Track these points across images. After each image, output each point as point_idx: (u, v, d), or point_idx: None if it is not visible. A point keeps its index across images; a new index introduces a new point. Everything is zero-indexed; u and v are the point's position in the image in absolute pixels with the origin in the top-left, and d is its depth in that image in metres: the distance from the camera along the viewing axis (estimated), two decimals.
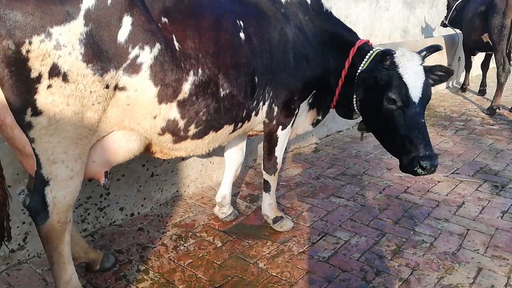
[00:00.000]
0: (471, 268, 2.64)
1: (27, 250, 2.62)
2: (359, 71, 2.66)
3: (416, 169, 2.35)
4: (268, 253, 2.77)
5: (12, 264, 2.56)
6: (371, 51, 2.71)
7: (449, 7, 7.76)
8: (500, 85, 6.10)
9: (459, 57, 8.23)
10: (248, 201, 3.49)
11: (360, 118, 2.89)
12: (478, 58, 8.05)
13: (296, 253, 2.77)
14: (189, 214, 3.26)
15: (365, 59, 2.67)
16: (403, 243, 2.90)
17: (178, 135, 2.21)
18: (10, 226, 2.05)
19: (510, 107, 6.42)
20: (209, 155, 3.68)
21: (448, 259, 2.73)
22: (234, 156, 3.13)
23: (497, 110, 6.24)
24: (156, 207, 3.33)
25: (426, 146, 2.35)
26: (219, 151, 3.74)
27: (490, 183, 3.87)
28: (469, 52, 7.43)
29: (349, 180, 3.92)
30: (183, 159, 3.44)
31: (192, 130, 2.23)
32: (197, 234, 2.98)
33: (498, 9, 5.79)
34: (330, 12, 2.89)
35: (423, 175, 2.39)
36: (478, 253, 2.80)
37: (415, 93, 2.39)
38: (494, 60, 6.32)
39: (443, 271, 2.60)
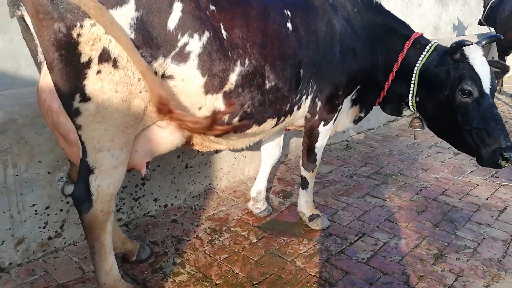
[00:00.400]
0: None
1: (64, 238, 2.60)
2: (417, 65, 2.56)
3: (499, 161, 2.30)
4: (305, 252, 2.69)
5: (49, 251, 2.54)
6: (429, 44, 2.60)
7: (484, 5, 7.50)
8: None
9: (492, 57, 7.97)
10: (281, 197, 3.43)
11: (407, 116, 2.79)
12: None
13: (334, 253, 2.69)
14: (222, 207, 3.21)
15: (424, 53, 2.56)
16: (445, 247, 2.80)
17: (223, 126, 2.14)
18: None
19: None
20: (242, 148, 3.61)
21: (494, 266, 2.61)
22: (272, 150, 3.05)
23: None
24: (189, 199, 3.28)
25: (506, 137, 2.31)
26: (252, 145, 3.68)
27: None
28: (503, 52, 7.18)
29: (384, 180, 3.81)
30: (216, 151, 3.39)
31: (235, 122, 2.16)
32: (232, 229, 2.93)
33: None
34: (380, 4, 2.78)
35: (506, 166, 2.33)
36: None
37: (487, 84, 2.35)
38: None
39: (490, 279, 2.49)
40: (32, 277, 2.34)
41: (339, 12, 2.55)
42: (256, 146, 3.57)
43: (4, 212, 2.31)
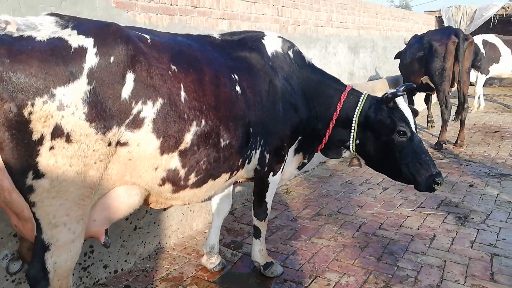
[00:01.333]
0: None
1: None
2: (355, 113, 2.84)
3: (434, 186, 2.65)
4: None
5: None
6: (362, 95, 2.91)
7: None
8: (444, 122, 6.65)
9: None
10: (232, 248, 3.48)
11: (345, 157, 3.07)
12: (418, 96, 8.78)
13: None
14: (175, 266, 3.18)
15: (360, 102, 2.86)
16: (390, 279, 3.02)
17: (178, 184, 2.21)
18: None
19: (454, 142, 6.98)
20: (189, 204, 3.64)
21: None
22: (222, 204, 3.13)
23: (444, 145, 6.76)
24: (139, 261, 3.21)
25: (434, 166, 2.70)
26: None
27: (454, 214, 4.15)
28: (411, 92, 8.04)
29: (326, 220, 4.03)
30: (164, 209, 3.38)
31: (192, 179, 2.24)
32: (188, 287, 2.90)
33: (438, 53, 6.39)
34: (313, 64, 3.06)
35: (437, 190, 2.70)
36: (459, 283, 2.97)
37: (413, 125, 2.76)
38: (436, 98, 6.92)
39: None
40: None
41: (278, 72, 2.77)
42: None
43: None
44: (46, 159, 1.72)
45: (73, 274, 2.72)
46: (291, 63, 2.90)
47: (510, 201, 4.48)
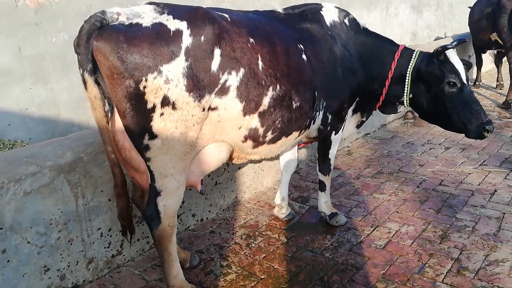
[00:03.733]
0: None
1: (124, 255, 3.01)
2: (408, 69, 3.06)
3: (484, 133, 2.87)
4: (330, 245, 3.14)
5: (112, 268, 2.95)
6: (414, 53, 3.12)
7: None
8: None
9: (469, 55, 8.60)
10: (300, 202, 3.88)
11: (401, 112, 3.31)
12: (487, 55, 8.44)
13: (355, 243, 3.14)
14: (251, 216, 3.65)
15: (412, 60, 3.08)
16: (448, 229, 3.27)
17: (257, 140, 2.60)
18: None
19: None
20: (259, 163, 4.07)
21: (491, 239, 3.08)
22: (289, 162, 3.51)
23: None
24: (220, 212, 3.72)
25: (485, 114, 2.90)
26: (269, 159, 4.14)
27: None
28: (479, 50, 7.79)
29: (387, 178, 4.29)
30: (239, 167, 3.84)
31: (269, 136, 2.63)
32: (263, 233, 3.36)
33: (506, 9, 6.16)
34: (367, 28, 3.29)
35: (487, 137, 2.90)
36: None
37: (464, 76, 2.94)
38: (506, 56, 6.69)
39: (488, 250, 2.96)
40: None
41: (337, 40, 3.04)
42: (271, 160, 4.05)
43: (77, 237, 2.72)
44: (158, 123, 2.17)
45: None
46: (347, 30, 3.14)
47: None
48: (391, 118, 6.33)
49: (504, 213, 3.43)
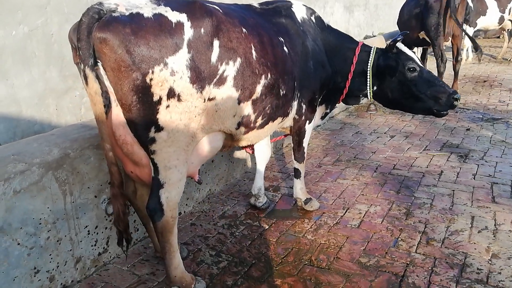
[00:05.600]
0: (466, 217, 3.41)
1: (109, 253, 2.95)
2: (369, 64, 3.33)
3: (455, 102, 3.17)
4: (310, 228, 3.34)
5: (99, 266, 2.88)
6: (371, 49, 3.40)
7: None
8: (440, 75, 7.17)
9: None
10: (271, 191, 4.03)
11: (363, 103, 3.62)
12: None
13: (332, 225, 3.37)
14: (228, 207, 3.73)
15: (371, 55, 3.35)
16: (410, 206, 3.62)
17: (249, 126, 2.71)
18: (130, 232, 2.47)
19: None
20: (230, 156, 4.16)
21: (448, 213, 3.48)
22: (264, 152, 3.64)
23: None
24: (196, 205, 3.75)
25: (448, 86, 3.21)
26: (238, 153, 4.25)
27: (456, 154, 4.76)
28: (408, 48, 8.50)
29: (346, 165, 4.60)
30: (212, 161, 3.89)
31: (259, 121, 2.75)
32: (244, 222, 3.47)
33: (434, 10, 6.82)
34: (330, 25, 3.53)
35: (457, 105, 3.22)
36: (467, 205, 3.59)
37: (418, 61, 3.26)
38: (432, 53, 7.41)
39: (448, 222, 3.35)
40: None
41: (308, 35, 3.23)
42: (240, 154, 4.16)
43: (65, 236, 2.63)
44: (164, 115, 2.18)
45: None
46: (315, 27, 3.35)
47: (503, 141, 5.11)
48: (336, 110, 6.72)
49: (453, 190, 3.88)
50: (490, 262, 2.83)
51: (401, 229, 3.28)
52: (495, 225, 3.28)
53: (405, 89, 3.28)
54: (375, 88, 3.41)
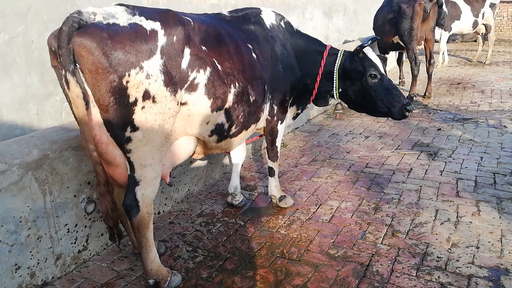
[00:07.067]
0: (431, 210, 3.61)
1: (89, 250, 3.07)
2: (335, 67, 3.51)
3: (406, 113, 3.37)
4: (283, 223, 3.50)
5: (79, 263, 2.99)
6: (339, 52, 3.58)
7: None
8: (414, 77, 7.44)
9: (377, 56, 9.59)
10: (248, 190, 4.19)
11: (331, 104, 3.76)
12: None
13: (304, 220, 3.54)
14: (206, 206, 3.87)
15: (338, 58, 3.53)
16: (379, 201, 3.81)
17: (222, 135, 2.86)
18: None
19: (423, 94, 7.81)
20: (209, 157, 4.31)
21: (414, 207, 3.68)
22: (240, 152, 3.79)
23: (414, 98, 7.58)
24: (175, 204, 3.88)
25: (403, 97, 3.41)
26: (216, 155, 4.39)
27: (426, 152, 4.98)
28: (383, 52, 8.77)
29: (321, 164, 4.78)
30: (191, 162, 4.03)
31: (233, 130, 2.90)
32: (221, 219, 3.61)
33: (407, 15, 7.09)
34: (299, 30, 3.71)
35: (409, 116, 3.41)
36: (432, 200, 3.79)
37: (382, 69, 3.45)
38: (406, 57, 7.68)
39: (413, 215, 3.54)
40: (76, 284, 2.80)
41: (277, 40, 3.41)
42: (219, 156, 4.31)
43: (45, 234, 2.74)
44: (139, 116, 2.32)
45: None
46: (284, 32, 3.54)
47: (471, 139, 5.35)
48: (315, 113, 6.93)
49: (421, 186, 4.08)
50: (449, 250, 3.02)
51: (369, 222, 3.46)
52: (457, 217, 3.48)
53: (365, 93, 3.47)
54: (340, 90, 3.59)
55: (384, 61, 3.73)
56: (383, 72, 3.50)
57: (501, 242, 3.09)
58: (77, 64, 2.22)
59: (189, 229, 3.47)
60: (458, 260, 2.90)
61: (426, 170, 4.45)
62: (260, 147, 5.32)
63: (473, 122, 6.12)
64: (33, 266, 2.67)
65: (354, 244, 3.15)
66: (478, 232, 3.24)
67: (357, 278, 2.76)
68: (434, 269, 2.82)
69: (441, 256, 2.96)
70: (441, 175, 4.32)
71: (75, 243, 2.95)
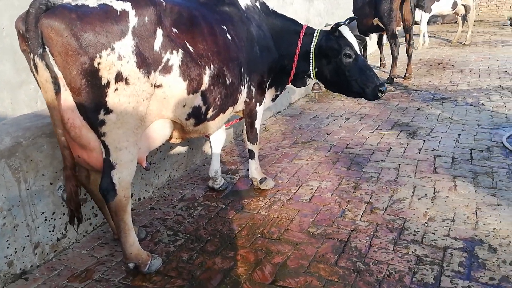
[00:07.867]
0: (409, 187, 3.67)
1: (68, 238, 3.05)
2: (312, 46, 3.50)
3: (379, 94, 3.39)
4: (264, 205, 3.52)
5: (58, 251, 2.97)
6: (315, 31, 3.58)
7: None
8: (394, 58, 7.49)
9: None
10: (230, 174, 4.19)
11: (309, 84, 3.80)
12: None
13: (285, 201, 3.56)
14: (187, 191, 3.87)
15: (314, 38, 3.53)
16: (358, 180, 3.86)
17: (200, 118, 2.85)
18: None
19: (403, 75, 7.87)
20: (189, 142, 4.29)
21: (392, 184, 3.73)
22: (219, 136, 3.79)
23: (395, 79, 7.64)
24: (156, 190, 3.87)
25: (377, 78, 3.42)
26: (197, 140, 4.38)
27: (405, 132, 5.04)
28: (363, 34, 8.78)
29: (302, 146, 4.81)
30: (171, 147, 4.02)
31: (210, 113, 2.89)
32: (202, 203, 3.62)
33: None
34: (275, 11, 3.70)
35: (382, 97, 3.44)
36: (410, 177, 3.85)
37: (357, 48, 3.45)
38: (386, 38, 7.71)
39: (391, 192, 3.59)
40: (56, 271, 2.78)
41: (252, 21, 3.38)
42: (200, 141, 4.30)
43: (22, 222, 2.71)
44: (112, 98, 2.30)
45: None
46: (260, 12, 3.52)
47: (449, 117, 5.43)
48: (297, 97, 6.94)
49: (399, 164, 4.14)
50: (426, 224, 3.08)
51: (348, 201, 3.50)
52: (434, 192, 3.54)
53: (339, 72, 3.48)
54: (316, 69, 3.60)
55: (362, 41, 3.73)
56: (359, 52, 3.50)
57: (476, 214, 3.16)
58: (46, 47, 2.19)
59: (170, 214, 3.47)
60: (434, 233, 2.96)
61: (405, 149, 4.51)
62: (242, 132, 5.32)
63: (451, 101, 6.20)
64: (10, 255, 2.65)
65: (333, 222, 3.19)
66: (454, 206, 3.30)
67: (336, 254, 2.80)
68: (410, 243, 2.87)
69: (418, 230, 3.01)
70: (419, 153, 4.38)
71: (53, 231, 2.93)
